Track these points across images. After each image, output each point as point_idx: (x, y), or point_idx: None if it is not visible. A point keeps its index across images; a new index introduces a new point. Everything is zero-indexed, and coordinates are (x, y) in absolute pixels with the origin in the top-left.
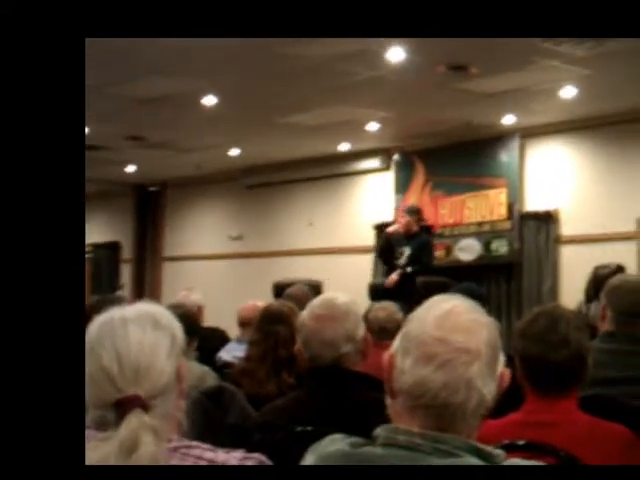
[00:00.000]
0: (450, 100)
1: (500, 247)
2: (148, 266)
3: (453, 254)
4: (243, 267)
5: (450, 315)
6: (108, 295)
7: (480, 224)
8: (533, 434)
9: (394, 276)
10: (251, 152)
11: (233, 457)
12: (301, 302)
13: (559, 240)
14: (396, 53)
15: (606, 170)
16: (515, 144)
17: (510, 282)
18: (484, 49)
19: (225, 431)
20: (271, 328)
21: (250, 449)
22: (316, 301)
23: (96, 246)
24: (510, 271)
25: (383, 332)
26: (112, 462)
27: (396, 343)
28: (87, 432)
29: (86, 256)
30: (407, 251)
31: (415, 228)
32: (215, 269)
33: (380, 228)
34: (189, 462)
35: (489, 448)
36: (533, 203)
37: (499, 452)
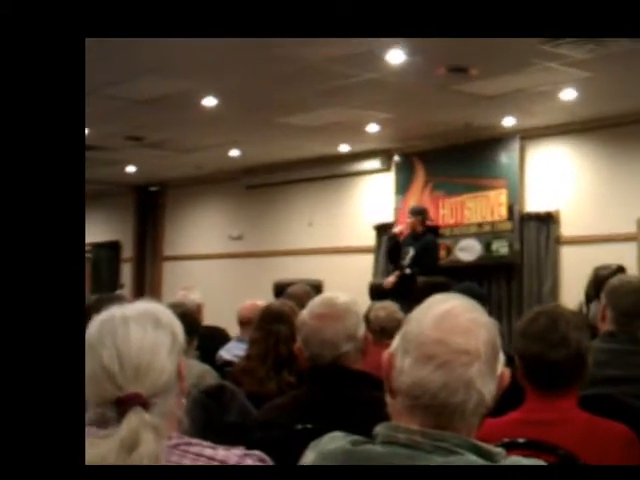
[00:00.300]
0: (450, 102)
1: (500, 248)
2: (148, 266)
3: (453, 254)
4: (243, 267)
5: (449, 315)
6: (108, 294)
7: (480, 225)
8: (533, 432)
9: (391, 278)
10: (251, 153)
11: (233, 454)
12: (302, 301)
13: (559, 241)
14: (396, 55)
15: (606, 171)
16: (515, 146)
17: (510, 283)
18: (484, 51)
19: (225, 429)
20: (272, 327)
21: (250, 447)
22: (316, 300)
23: (96, 245)
24: (510, 272)
25: (383, 331)
26: (113, 460)
27: (395, 342)
28: (88, 429)
29: (86, 255)
30: (411, 252)
31: (420, 228)
32: (215, 269)
33: (380, 229)
34: (188, 459)
35: (489, 446)
36: (533, 204)
37: (499, 450)
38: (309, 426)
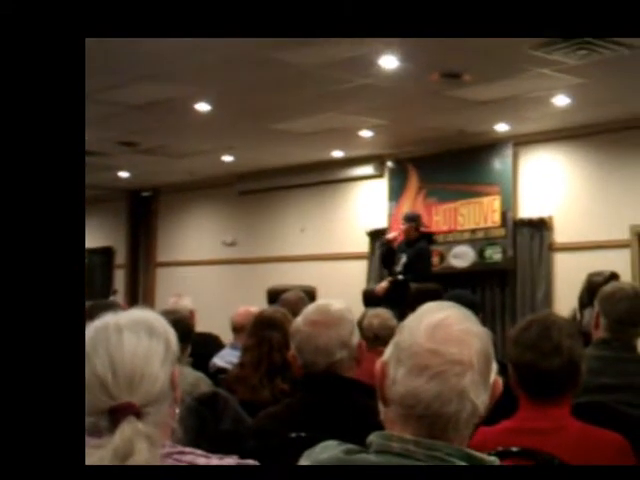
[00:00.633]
0: (443, 108)
1: (494, 254)
2: (141, 272)
3: (447, 261)
4: (236, 273)
5: (442, 326)
6: (102, 301)
7: (474, 231)
8: (527, 441)
9: (384, 283)
10: (244, 158)
11: (226, 463)
12: (296, 308)
13: (553, 247)
14: (389, 61)
15: (599, 178)
16: (508, 152)
17: (504, 289)
18: (477, 57)
19: (219, 437)
20: (265, 334)
21: (244, 455)
22: (310, 307)
23: (89, 251)
24: (504, 278)
25: (377, 339)
26: None
27: (388, 351)
28: None
29: None
30: (404, 258)
31: (414, 235)
32: (209, 275)
33: (374, 235)
34: None
35: (482, 455)
36: (527, 210)
37: (492, 459)
38: (303, 434)
